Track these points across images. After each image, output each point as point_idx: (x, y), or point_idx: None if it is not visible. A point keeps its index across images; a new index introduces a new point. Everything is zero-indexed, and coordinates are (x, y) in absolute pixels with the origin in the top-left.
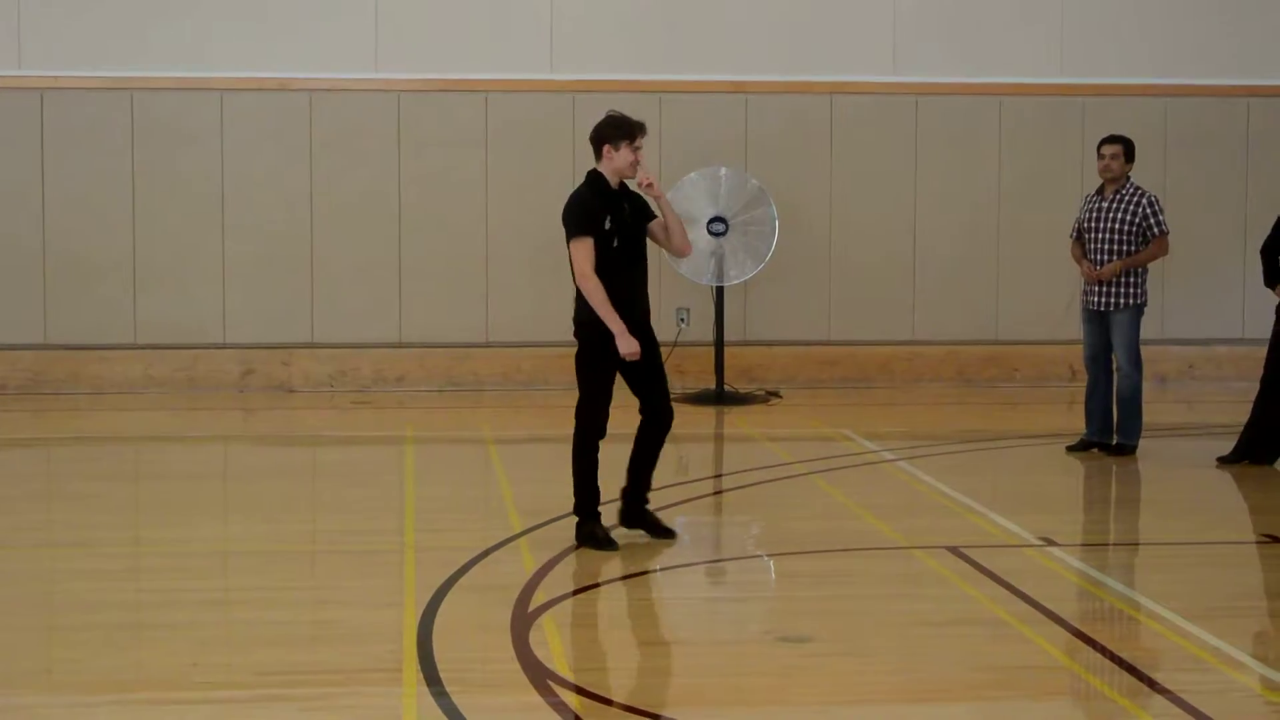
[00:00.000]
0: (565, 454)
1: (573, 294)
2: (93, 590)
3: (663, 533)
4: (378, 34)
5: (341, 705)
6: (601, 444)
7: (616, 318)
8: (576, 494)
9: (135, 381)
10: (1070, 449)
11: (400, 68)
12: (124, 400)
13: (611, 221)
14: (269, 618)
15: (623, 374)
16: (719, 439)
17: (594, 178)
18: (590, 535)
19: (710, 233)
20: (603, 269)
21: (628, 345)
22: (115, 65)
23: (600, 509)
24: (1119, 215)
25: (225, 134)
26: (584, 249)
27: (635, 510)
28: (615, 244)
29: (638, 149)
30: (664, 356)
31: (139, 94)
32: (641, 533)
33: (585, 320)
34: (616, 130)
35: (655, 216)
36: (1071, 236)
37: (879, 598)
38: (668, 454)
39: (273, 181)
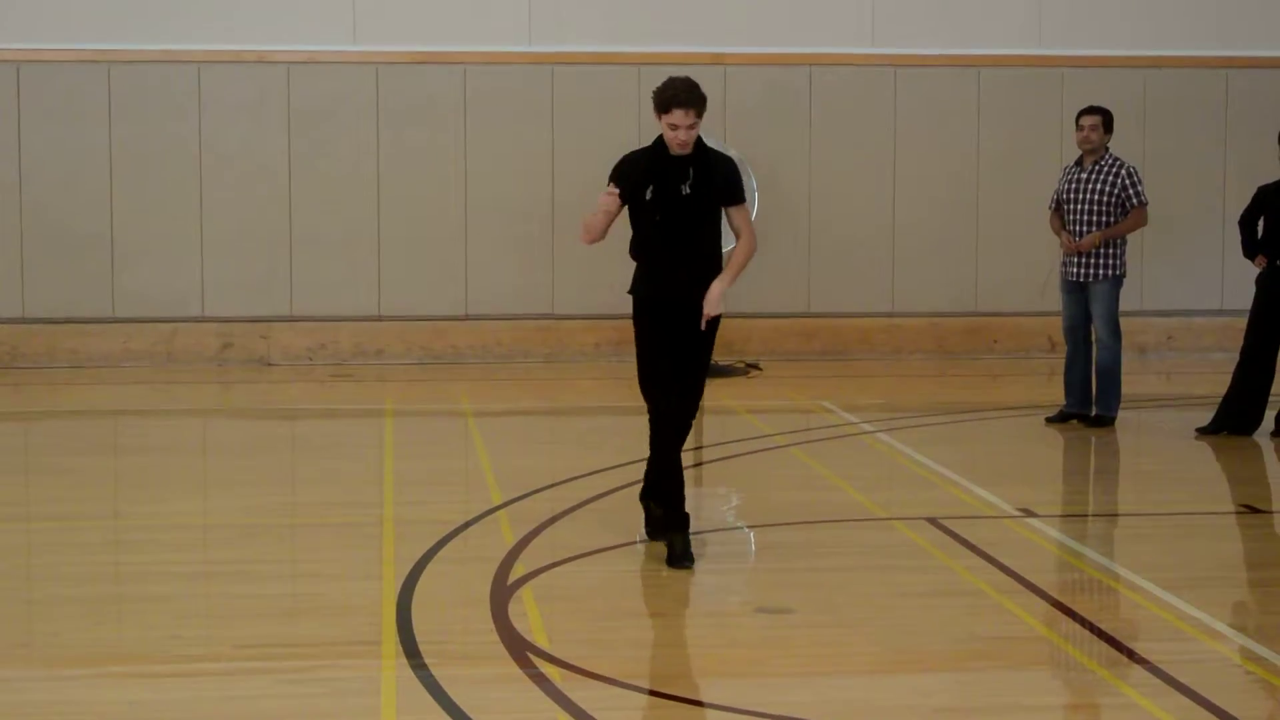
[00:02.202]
0: (544, 426)
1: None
2: (72, 564)
3: (675, 561)
4: (355, 6)
5: (320, 678)
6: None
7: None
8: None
9: (113, 355)
10: (1049, 420)
11: (378, 40)
12: (102, 374)
13: (655, 192)
14: (248, 591)
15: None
16: (699, 411)
17: (656, 141)
18: (646, 511)
19: None
20: (643, 239)
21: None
22: (92, 38)
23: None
24: (1098, 186)
25: (203, 107)
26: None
27: (656, 520)
28: (657, 218)
29: (675, 127)
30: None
31: (116, 66)
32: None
33: (634, 284)
34: (655, 98)
35: (736, 200)
36: (1050, 208)
37: (858, 569)
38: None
39: (251, 154)
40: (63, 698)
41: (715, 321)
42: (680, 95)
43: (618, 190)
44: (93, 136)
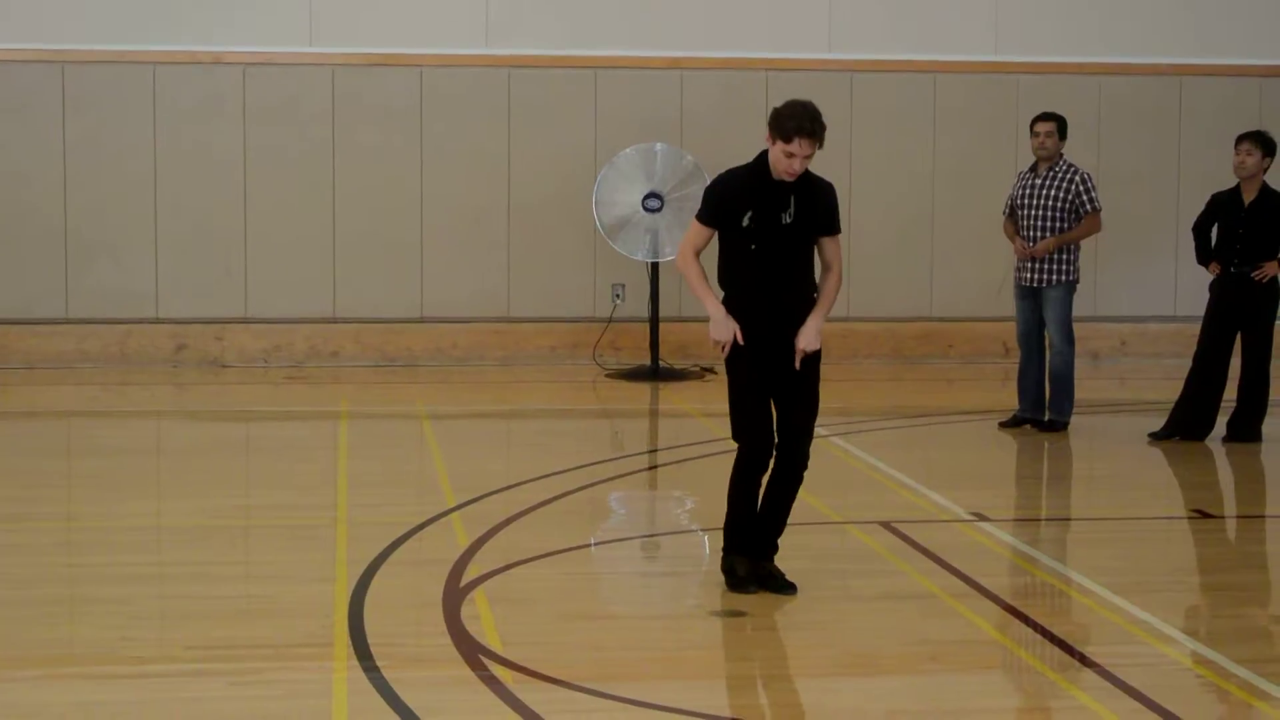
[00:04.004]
0: (499, 428)
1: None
2: (23, 565)
3: (781, 587)
4: (311, 7)
5: (272, 680)
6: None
7: (711, 298)
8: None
9: (67, 356)
10: (1003, 425)
11: (335, 41)
12: (55, 375)
13: (753, 219)
14: (200, 592)
15: (770, 390)
16: (654, 414)
17: (758, 160)
18: (728, 570)
19: (645, 209)
20: (735, 268)
21: (717, 330)
22: (47, 38)
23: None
24: (1052, 192)
25: (158, 107)
26: (692, 230)
27: (740, 579)
28: (753, 247)
29: (791, 156)
30: (599, 333)
31: (70, 66)
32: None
33: None
34: (774, 121)
35: (831, 231)
36: (1004, 214)
37: (812, 572)
38: (599, 430)
39: (206, 155)
40: (12, 699)
41: (816, 358)
42: (806, 125)
43: (726, 345)
44: (47, 137)
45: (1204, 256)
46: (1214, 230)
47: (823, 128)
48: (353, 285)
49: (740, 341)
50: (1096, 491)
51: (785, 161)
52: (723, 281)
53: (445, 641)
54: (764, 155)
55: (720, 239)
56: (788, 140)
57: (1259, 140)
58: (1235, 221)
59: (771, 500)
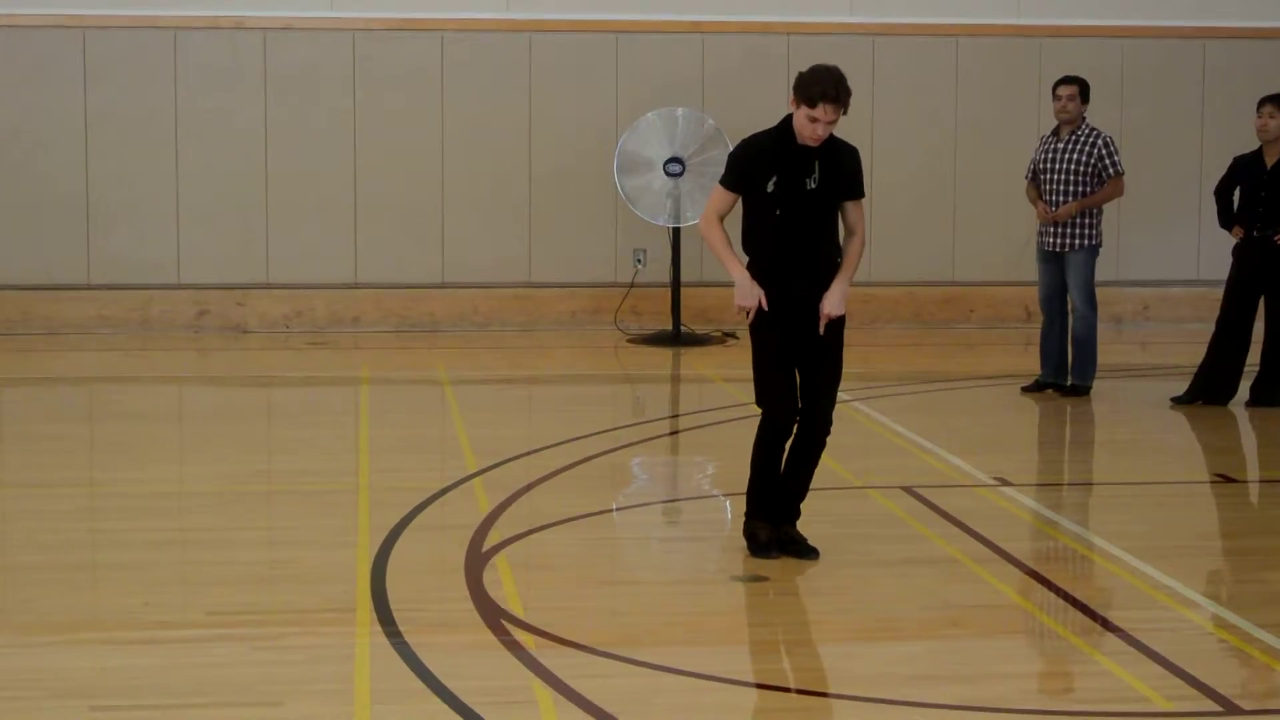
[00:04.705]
0: (520, 394)
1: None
2: (46, 531)
3: (803, 552)
4: None
5: (294, 645)
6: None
7: (736, 263)
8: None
9: (88, 322)
10: (1025, 390)
11: (355, 7)
12: (77, 341)
13: (778, 184)
14: (222, 558)
15: (794, 355)
16: (675, 380)
17: (782, 124)
18: (750, 535)
19: (667, 173)
20: (759, 233)
21: (742, 295)
22: (68, 4)
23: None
24: (1074, 156)
25: (179, 73)
26: (715, 195)
27: (762, 543)
28: (778, 212)
29: (815, 120)
30: (620, 298)
31: (91, 32)
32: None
33: None
34: (799, 86)
35: (855, 196)
36: (1027, 178)
37: (834, 537)
38: (621, 395)
39: (227, 120)
40: (35, 664)
41: (840, 323)
42: (830, 90)
43: (751, 311)
44: (68, 103)
45: (1226, 220)
46: (1236, 193)
47: (848, 93)
48: (374, 250)
49: (765, 308)
50: (1119, 456)
51: (809, 127)
52: (746, 247)
53: (467, 606)
54: (788, 120)
55: (744, 204)
56: (812, 105)
57: None
58: (1258, 185)
59: (794, 465)
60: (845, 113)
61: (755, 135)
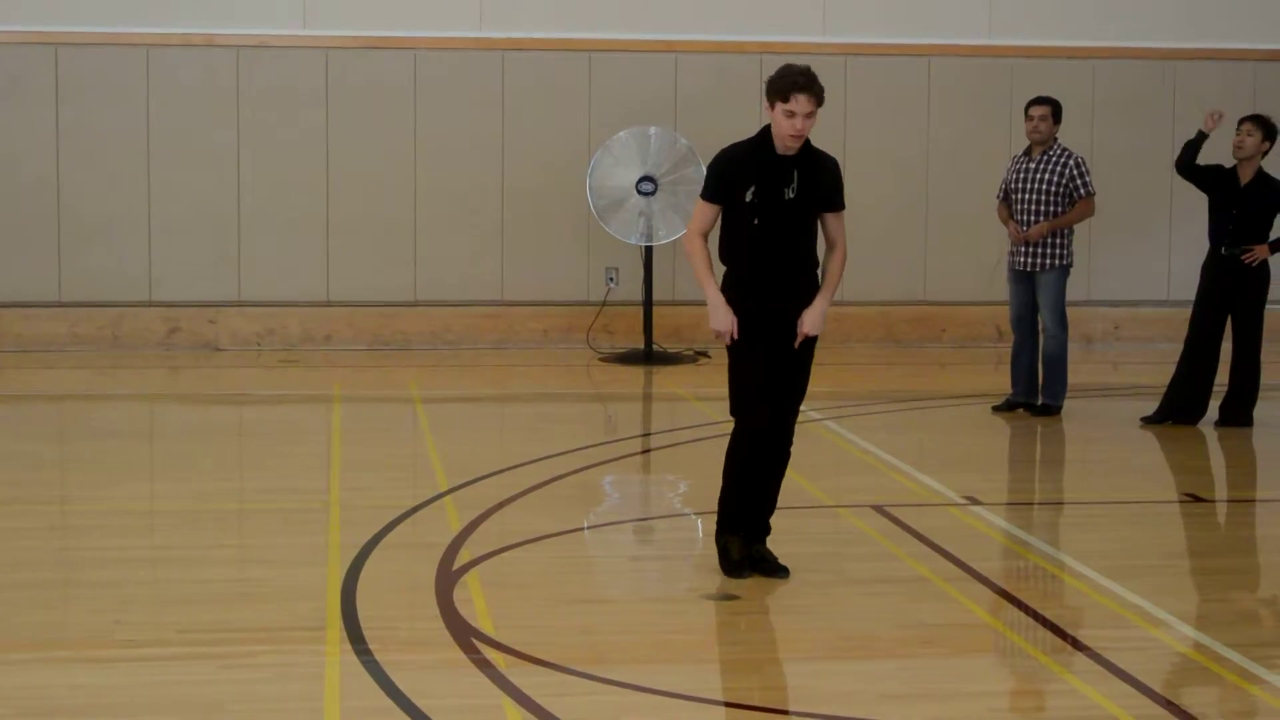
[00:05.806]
0: (492, 412)
1: None
2: (17, 548)
3: (773, 571)
4: None
5: (264, 663)
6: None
7: (712, 286)
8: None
9: (60, 339)
10: (996, 409)
11: (328, 25)
12: (48, 358)
13: (756, 194)
14: (193, 576)
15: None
16: (647, 398)
17: (760, 134)
18: (723, 549)
19: (639, 192)
20: (737, 244)
21: (716, 319)
22: (40, 20)
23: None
24: (1046, 176)
25: (151, 90)
26: (697, 210)
27: (734, 561)
28: (755, 222)
29: (791, 115)
30: (592, 317)
31: (64, 49)
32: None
33: (725, 290)
34: (771, 84)
35: (834, 207)
36: (998, 198)
37: (804, 556)
38: (593, 414)
39: (199, 138)
40: (5, 682)
41: (813, 340)
42: (800, 80)
43: (727, 335)
44: (39, 119)
45: (1190, 153)
46: (1207, 209)
47: (821, 88)
48: (346, 268)
49: (736, 337)
50: (1089, 475)
51: (787, 123)
52: (724, 258)
53: (438, 625)
54: (766, 130)
55: (723, 215)
56: (786, 99)
57: (1260, 123)
58: (1229, 201)
59: (762, 479)
60: (820, 104)
61: (734, 145)
